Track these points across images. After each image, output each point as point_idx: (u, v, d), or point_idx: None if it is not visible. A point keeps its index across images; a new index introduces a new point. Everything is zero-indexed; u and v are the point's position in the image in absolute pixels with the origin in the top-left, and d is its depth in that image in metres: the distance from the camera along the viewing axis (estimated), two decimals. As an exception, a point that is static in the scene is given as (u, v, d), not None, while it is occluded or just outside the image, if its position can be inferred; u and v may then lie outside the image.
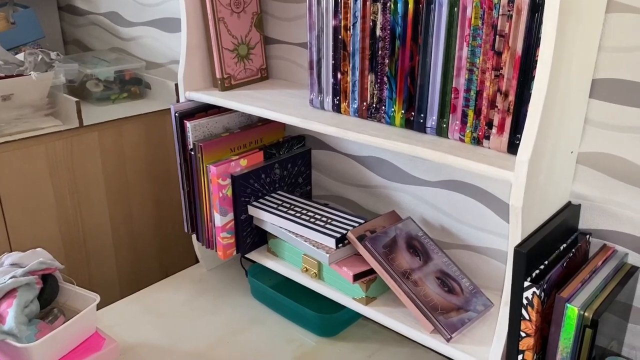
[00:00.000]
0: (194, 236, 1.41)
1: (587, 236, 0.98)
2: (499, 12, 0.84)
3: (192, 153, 1.26)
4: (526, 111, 0.81)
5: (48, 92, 1.43)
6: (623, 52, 0.89)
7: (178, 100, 1.40)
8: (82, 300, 1.13)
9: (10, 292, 1.07)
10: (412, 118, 0.99)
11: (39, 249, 1.17)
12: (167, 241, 1.70)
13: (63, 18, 2.06)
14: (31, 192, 1.39)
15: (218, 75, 1.27)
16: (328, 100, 1.10)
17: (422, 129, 0.99)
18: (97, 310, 1.15)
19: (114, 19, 1.84)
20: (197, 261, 1.51)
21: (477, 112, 0.91)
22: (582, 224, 1.00)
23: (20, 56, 1.44)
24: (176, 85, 1.56)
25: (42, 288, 1.12)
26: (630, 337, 0.99)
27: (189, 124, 1.25)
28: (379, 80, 1.01)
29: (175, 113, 1.27)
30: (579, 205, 0.99)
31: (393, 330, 1.11)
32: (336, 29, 1.04)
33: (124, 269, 1.63)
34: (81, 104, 1.42)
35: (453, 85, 0.93)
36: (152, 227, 1.66)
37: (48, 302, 1.14)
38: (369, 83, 1.03)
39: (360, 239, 1.08)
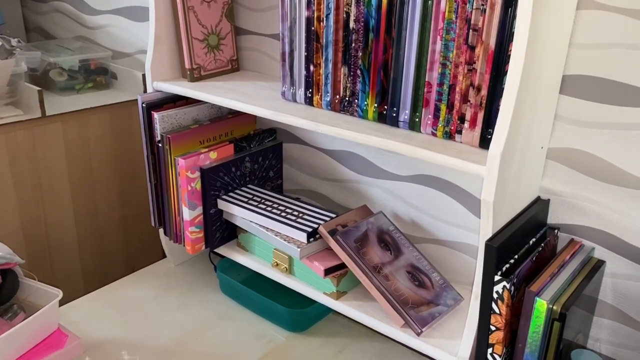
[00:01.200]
0: (161, 230, 1.38)
1: (556, 231, 1.00)
2: (472, 5, 0.84)
3: (160, 145, 1.23)
4: (498, 106, 0.82)
5: (8, 80, 1.38)
6: (593, 49, 0.90)
7: (145, 91, 1.36)
8: (44, 296, 1.10)
9: (-33, 288, 1.03)
10: (384, 112, 0.99)
11: (-2, 243, 1.13)
12: (134, 235, 1.66)
13: (25, 4, 1.99)
14: (-10, 184, 1.34)
15: (187, 66, 1.24)
16: (300, 92, 1.08)
17: (394, 122, 0.98)
18: (60, 306, 1.12)
19: (78, 7, 1.79)
20: (164, 256, 1.48)
21: (450, 107, 0.91)
22: (551, 219, 1.02)
23: (-21, 42, 1.39)
24: (143, 75, 1.52)
25: (1, 284, 1.09)
26: (595, 330, 1.01)
27: (156, 115, 1.22)
28: (352, 73, 1.01)
29: (142, 104, 1.24)
30: (548, 200, 1.00)
31: (363, 325, 1.11)
32: (309, 20, 1.02)
33: (89, 264, 1.59)
34: (44, 94, 1.38)
35: (426, 79, 0.92)
36: (117, 221, 1.62)
37: (7, 298, 1.11)
38: (341, 76, 1.02)
39: (332, 233, 1.08)
